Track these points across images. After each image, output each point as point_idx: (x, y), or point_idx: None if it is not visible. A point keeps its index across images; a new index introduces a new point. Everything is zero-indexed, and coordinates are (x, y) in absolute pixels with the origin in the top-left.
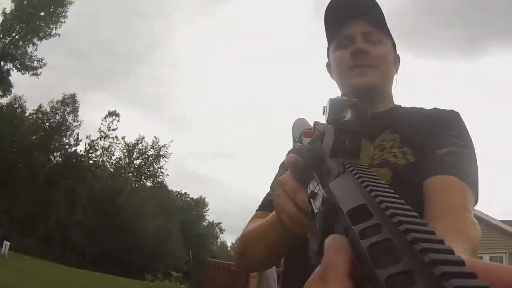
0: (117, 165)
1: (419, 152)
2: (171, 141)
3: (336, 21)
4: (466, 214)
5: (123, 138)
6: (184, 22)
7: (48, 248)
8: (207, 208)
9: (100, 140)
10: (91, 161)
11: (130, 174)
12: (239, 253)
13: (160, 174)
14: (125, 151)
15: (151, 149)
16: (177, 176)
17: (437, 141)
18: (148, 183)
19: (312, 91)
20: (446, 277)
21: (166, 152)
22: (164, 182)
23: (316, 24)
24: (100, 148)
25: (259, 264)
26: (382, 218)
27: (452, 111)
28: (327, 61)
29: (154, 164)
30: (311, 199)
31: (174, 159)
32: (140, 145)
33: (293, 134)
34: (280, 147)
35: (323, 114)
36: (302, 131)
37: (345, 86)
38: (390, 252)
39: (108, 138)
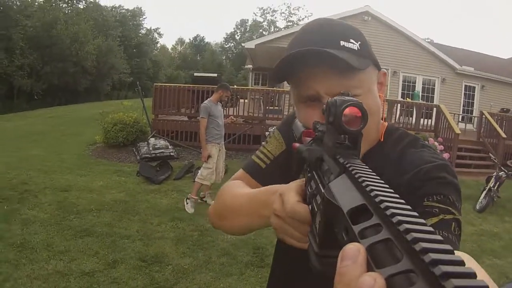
0: None
1: None
2: None
3: (296, 71)
4: None
5: None
6: None
7: None
8: (144, 17)
9: None
10: (19, 2)
11: (61, 2)
12: (216, 214)
13: None
14: None
15: None
16: None
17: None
18: (81, 5)
19: None
20: (446, 277)
21: None
22: (97, 1)
23: None
24: None
25: (235, 233)
26: (382, 218)
27: (438, 166)
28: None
29: None
30: (311, 199)
31: None
32: None
33: (293, 134)
34: None
35: (323, 114)
36: (302, 131)
37: None
38: (390, 252)
39: None
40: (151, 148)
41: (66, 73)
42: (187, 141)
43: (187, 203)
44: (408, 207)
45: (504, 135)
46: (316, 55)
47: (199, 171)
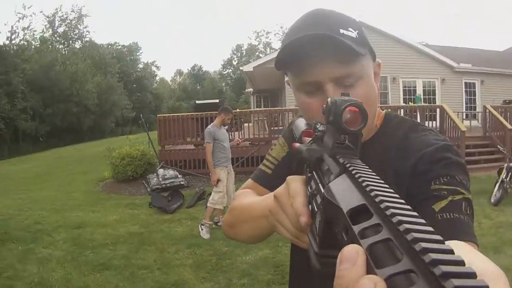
0: (42, 39)
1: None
2: None
3: (296, 57)
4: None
5: (41, 12)
6: None
7: (2, 147)
8: (140, 52)
9: (19, 21)
10: (15, 47)
11: (57, 43)
12: (228, 224)
13: (87, 33)
14: (46, 24)
15: (72, 13)
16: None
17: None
18: (77, 45)
19: None
20: (446, 277)
21: (87, 11)
22: (93, 39)
23: None
24: (21, 29)
25: (246, 241)
26: (382, 218)
27: (441, 148)
28: (286, 78)
29: (79, 25)
30: (311, 199)
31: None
32: (60, 12)
33: (293, 134)
34: None
35: (323, 113)
36: (302, 130)
37: None
38: (390, 252)
39: (27, 17)
40: (160, 179)
41: (69, 113)
42: (196, 169)
43: (202, 229)
44: (408, 207)
45: (510, 126)
46: (320, 40)
47: (210, 196)
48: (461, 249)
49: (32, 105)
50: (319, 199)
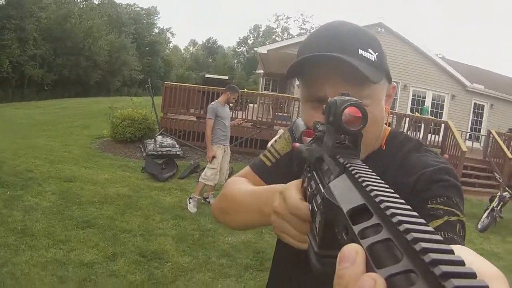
0: None
1: None
2: None
3: (308, 72)
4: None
5: None
6: None
7: (7, 91)
8: (158, 16)
9: None
10: None
11: None
12: (220, 209)
13: None
14: None
15: None
16: None
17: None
18: (96, 1)
19: None
20: (446, 277)
21: None
22: None
23: None
24: None
25: (236, 228)
26: (382, 218)
27: (440, 170)
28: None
29: None
30: (311, 199)
31: None
32: None
33: (293, 134)
34: None
35: (323, 114)
36: (302, 131)
37: None
38: (390, 252)
39: None
40: (157, 146)
41: (77, 66)
42: (194, 141)
43: (189, 203)
44: (408, 207)
45: (510, 156)
46: (332, 60)
47: (203, 171)
48: (461, 251)
49: (42, 53)
50: (319, 199)
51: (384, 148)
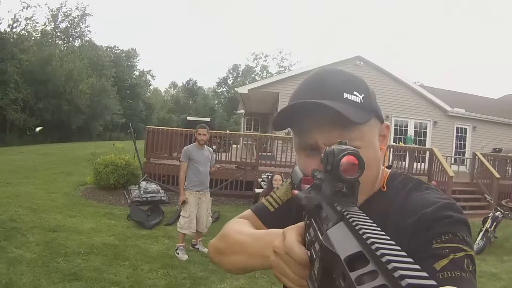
0: (43, 32)
1: None
2: None
3: (296, 120)
4: None
5: (46, 4)
6: None
7: None
8: (138, 59)
9: (23, 11)
10: (15, 36)
11: (57, 38)
12: (217, 250)
13: (88, 32)
14: (49, 17)
15: (76, 10)
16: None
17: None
18: (76, 43)
19: None
20: None
21: (91, 10)
22: (93, 40)
23: None
24: (24, 19)
25: (230, 271)
26: (378, 265)
27: (443, 206)
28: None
29: (81, 24)
30: (310, 246)
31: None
32: (64, 8)
33: (292, 181)
34: None
35: (321, 162)
36: (301, 178)
37: None
38: None
39: (31, 8)
40: (142, 192)
41: (59, 110)
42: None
43: (177, 254)
44: (404, 253)
45: (497, 175)
46: (317, 107)
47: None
48: None
49: (23, 97)
50: (317, 246)
51: (384, 189)
